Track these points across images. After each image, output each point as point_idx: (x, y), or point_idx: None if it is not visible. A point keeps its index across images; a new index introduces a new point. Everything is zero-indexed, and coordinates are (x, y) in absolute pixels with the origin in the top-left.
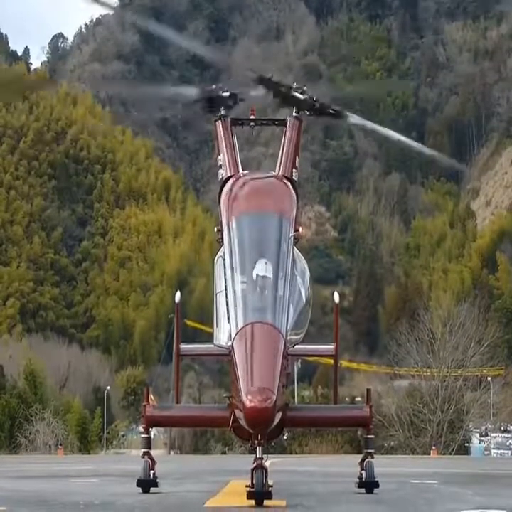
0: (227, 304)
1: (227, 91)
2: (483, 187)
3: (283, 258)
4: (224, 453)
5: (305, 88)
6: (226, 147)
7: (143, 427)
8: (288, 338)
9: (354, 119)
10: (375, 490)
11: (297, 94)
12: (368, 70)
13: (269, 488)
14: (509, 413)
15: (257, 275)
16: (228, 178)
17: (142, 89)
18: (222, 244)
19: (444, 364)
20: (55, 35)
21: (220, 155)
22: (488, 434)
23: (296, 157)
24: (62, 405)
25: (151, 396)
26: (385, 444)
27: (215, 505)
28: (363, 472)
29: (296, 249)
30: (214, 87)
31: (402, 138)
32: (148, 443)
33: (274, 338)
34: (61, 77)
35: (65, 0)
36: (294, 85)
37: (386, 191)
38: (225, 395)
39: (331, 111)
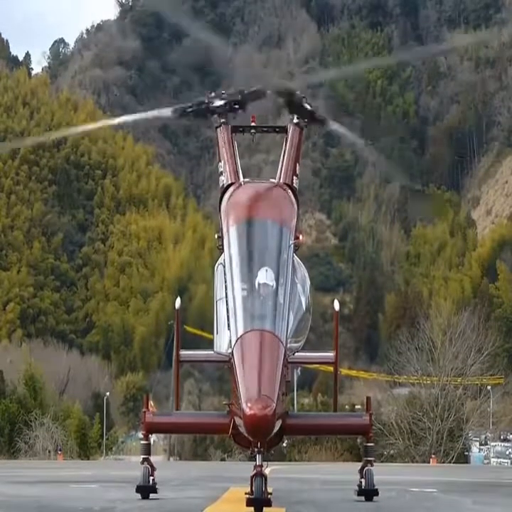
0: (227, 311)
1: (222, 98)
2: (484, 196)
3: (283, 266)
4: (223, 459)
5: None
6: (227, 154)
7: (142, 434)
8: (288, 345)
9: (334, 126)
10: (375, 498)
11: (307, 105)
12: (368, 77)
13: (269, 496)
14: (509, 422)
15: (259, 283)
16: (229, 186)
17: (123, 118)
18: (223, 251)
19: (443, 372)
20: (56, 41)
21: (220, 162)
22: (488, 442)
23: (297, 164)
24: (61, 411)
25: (151, 402)
26: (385, 452)
27: None
28: (363, 480)
29: (296, 257)
30: (201, 98)
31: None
32: (147, 449)
33: (274, 346)
34: (62, 83)
35: (66, 5)
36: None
37: (386, 199)
38: (224, 402)
39: (318, 117)
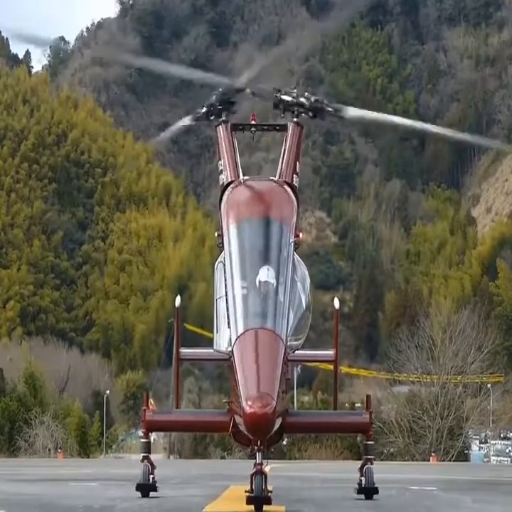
0: (227, 310)
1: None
2: (484, 194)
3: (283, 264)
4: (223, 458)
5: (295, 89)
6: (227, 152)
7: (142, 432)
8: (288, 343)
9: (353, 111)
10: (375, 496)
11: (285, 96)
12: (369, 76)
13: (269, 494)
14: (509, 420)
15: (260, 281)
16: (229, 184)
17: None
18: (223, 249)
19: (443, 370)
20: (56, 39)
21: (220, 160)
22: (488, 441)
23: (297, 163)
24: (61, 409)
25: (151, 400)
26: (385, 451)
27: (214, 510)
28: (363, 478)
29: (296, 255)
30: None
31: (410, 122)
32: (147, 447)
33: (274, 344)
34: (62, 81)
35: (66, 3)
36: (289, 90)
37: (386, 197)
38: (224, 400)
39: (328, 109)
